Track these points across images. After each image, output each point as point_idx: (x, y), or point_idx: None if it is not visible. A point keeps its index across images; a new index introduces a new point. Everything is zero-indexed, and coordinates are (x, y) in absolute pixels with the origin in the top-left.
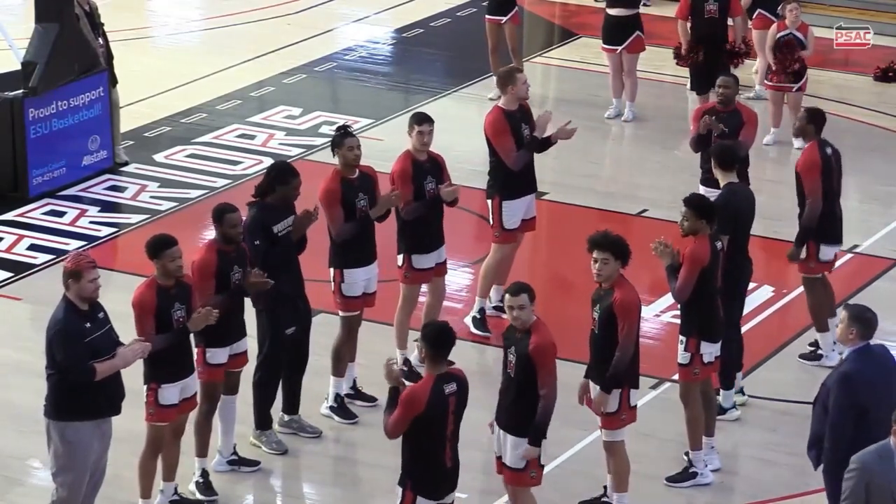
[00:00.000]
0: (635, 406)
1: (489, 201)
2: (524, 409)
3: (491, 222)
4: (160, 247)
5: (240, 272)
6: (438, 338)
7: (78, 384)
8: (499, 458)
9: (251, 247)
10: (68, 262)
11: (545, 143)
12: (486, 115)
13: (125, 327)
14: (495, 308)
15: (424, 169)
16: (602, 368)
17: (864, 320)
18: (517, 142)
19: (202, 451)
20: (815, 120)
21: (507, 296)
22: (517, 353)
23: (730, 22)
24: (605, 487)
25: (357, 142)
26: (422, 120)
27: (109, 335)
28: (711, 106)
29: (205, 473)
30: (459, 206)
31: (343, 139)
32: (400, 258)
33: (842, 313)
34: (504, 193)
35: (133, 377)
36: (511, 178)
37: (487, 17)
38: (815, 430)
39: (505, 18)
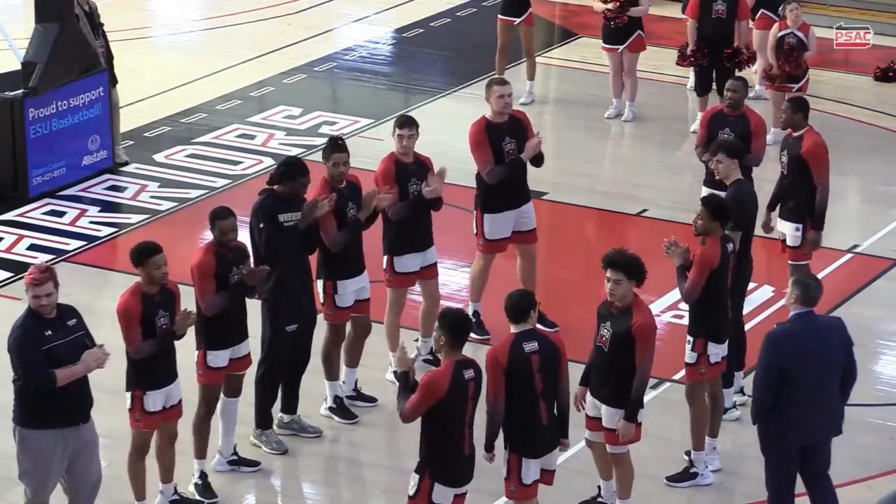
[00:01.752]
0: (640, 423)
1: (474, 211)
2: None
3: (475, 231)
4: (145, 254)
5: (241, 275)
6: (457, 325)
7: (38, 392)
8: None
9: (255, 230)
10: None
11: (538, 160)
12: (471, 125)
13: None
14: None
15: (409, 171)
16: (608, 389)
17: (804, 286)
18: (496, 155)
19: (201, 453)
20: (802, 108)
21: None
22: None
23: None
24: (598, 487)
25: (345, 157)
26: (402, 123)
27: (77, 342)
28: (720, 109)
29: (203, 475)
30: (457, 206)
31: (331, 153)
32: (384, 260)
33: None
34: (484, 206)
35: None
36: (491, 191)
37: (500, 17)
38: None
39: (518, 20)
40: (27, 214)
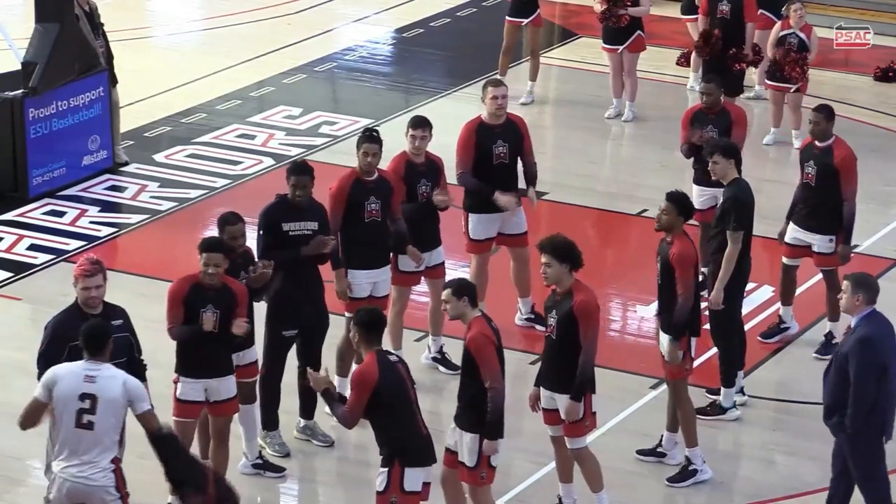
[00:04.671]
0: (595, 412)
1: (462, 211)
2: (469, 403)
3: (464, 230)
4: (201, 247)
5: (246, 279)
6: (371, 321)
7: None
8: (454, 454)
9: (257, 235)
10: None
11: (531, 179)
12: (464, 123)
13: None
14: (527, 319)
15: (419, 171)
16: (559, 376)
17: (868, 285)
18: (485, 156)
19: (203, 454)
20: (833, 117)
21: None
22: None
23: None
24: (558, 497)
25: (374, 149)
26: (416, 124)
27: (115, 344)
28: (699, 108)
29: None
30: (457, 206)
31: (361, 143)
32: (390, 257)
33: (844, 284)
34: (467, 205)
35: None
36: (472, 191)
37: (508, 18)
38: (831, 398)
39: (526, 21)
40: (27, 214)
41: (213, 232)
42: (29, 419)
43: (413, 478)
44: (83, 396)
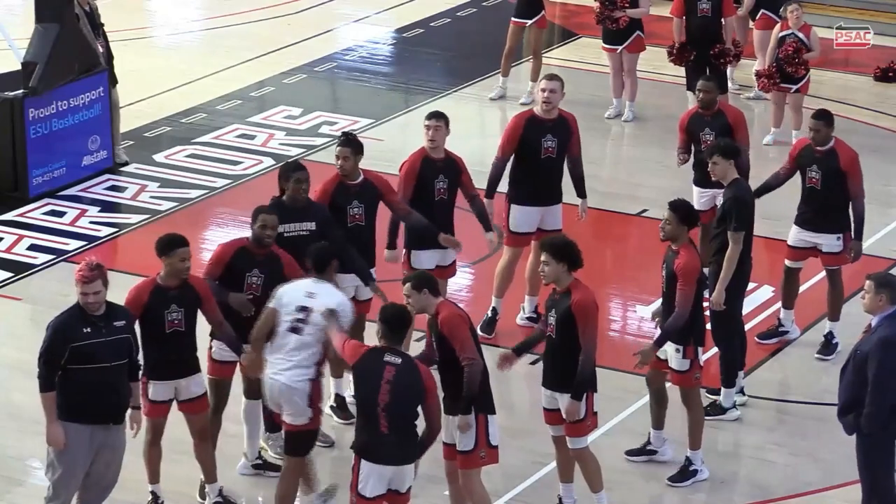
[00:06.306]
0: (596, 413)
1: (505, 202)
2: (454, 388)
3: (503, 223)
4: (170, 245)
5: (261, 277)
6: (395, 319)
7: (72, 386)
8: (450, 446)
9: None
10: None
11: (580, 189)
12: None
13: None
14: (528, 318)
15: (436, 167)
16: (560, 375)
17: (891, 285)
18: (532, 149)
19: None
20: (832, 122)
21: None
22: (435, 336)
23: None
24: (559, 497)
25: (345, 152)
26: (430, 116)
27: (119, 344)
28: (695, 110)
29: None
30: (459, 207)
31: (336, 146)
32: (402, 254)
33: (866, 283)
34: (510, 196)
35: None
36: (517, 182)
37: (513, 19)
38: (847, 396)
39: (530, 21)
40: (27, 214)
41: (211, 231)
42: (263, 329)
43: (367, 474)
44: (300, 308)
